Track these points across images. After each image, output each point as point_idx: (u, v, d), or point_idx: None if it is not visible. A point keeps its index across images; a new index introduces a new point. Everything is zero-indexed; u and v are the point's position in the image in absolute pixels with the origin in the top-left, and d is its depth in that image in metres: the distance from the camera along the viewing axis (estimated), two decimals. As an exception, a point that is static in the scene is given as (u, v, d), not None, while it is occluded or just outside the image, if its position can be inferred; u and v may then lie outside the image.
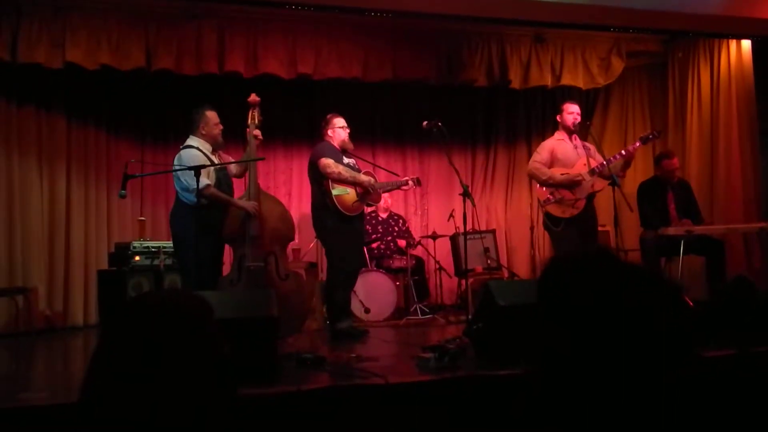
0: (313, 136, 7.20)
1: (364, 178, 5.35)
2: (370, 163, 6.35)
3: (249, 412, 2.78)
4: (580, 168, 5.49)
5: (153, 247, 6.47)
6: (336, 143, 5.41)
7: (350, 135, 5.51)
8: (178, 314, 1.18)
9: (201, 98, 5.28)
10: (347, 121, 5.54)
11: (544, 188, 5.52)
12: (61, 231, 6.76)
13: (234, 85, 6.47)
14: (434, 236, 7.26)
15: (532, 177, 5.73)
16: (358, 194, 5.31)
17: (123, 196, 4.34)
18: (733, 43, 7.07)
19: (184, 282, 4.95)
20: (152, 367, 1.11)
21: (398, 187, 5.83)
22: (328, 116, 5.52)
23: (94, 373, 1.15)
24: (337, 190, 5.22)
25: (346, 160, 5.41)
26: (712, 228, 6.03)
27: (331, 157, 5.26)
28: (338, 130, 5.42)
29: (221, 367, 1.18)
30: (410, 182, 5.75)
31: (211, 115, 4.86)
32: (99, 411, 1.10)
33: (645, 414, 1.00)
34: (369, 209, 6.85)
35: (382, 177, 6.19)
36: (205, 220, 4.55)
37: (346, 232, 5.26)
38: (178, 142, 5.05)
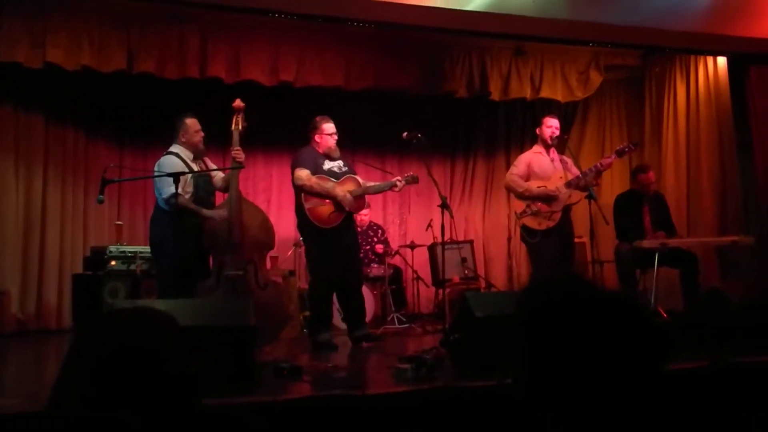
0: (293, 142, 7.15)
1: (338, 192, 5.08)
2: (363, 163, 6.22)
3: (225, 422, 2.77)
4: (556, 181, 5.56)
5: (130, 252, 6.41)
6: (321, 149, 5.22)
7: None
8: (141, 330, 1.19)
9: (182, 102, 5.25)
10: None
11: (521, 200, 5.58)
12: (36, 233, 6.68)
13: (216, 90, 6.43)
14: (412, 246, 7.28)
15: (509, 190, 5.77)
16: (335, 204, 5.12)
17: (101, 202, 4.31)
18: (709, 60, 7.19)
19: (160, 288, 4.89)
20: (114, 382, 1.12)
21: (389, 188, 5.48)
22: (317, 119, 5.26)
23: (60, 386, 1.17)
24: (310, 203, 5.06)
25: (329, 164, 5.20)
26: (686, 241, 6.13)
27: (307, 167, 5.07)
28: (326, 136, 5.21)
29: (185, 381, 1.19)
30: (399, 183, 5.31)
31: (191, 123, 4.82)
32: (65, 420, 1.11)
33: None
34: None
35: (374, 177, 6.00)
36: (184, 226, 4.52)
37: (323, 244, 5.10)
38: (157, 146, 5.03)
